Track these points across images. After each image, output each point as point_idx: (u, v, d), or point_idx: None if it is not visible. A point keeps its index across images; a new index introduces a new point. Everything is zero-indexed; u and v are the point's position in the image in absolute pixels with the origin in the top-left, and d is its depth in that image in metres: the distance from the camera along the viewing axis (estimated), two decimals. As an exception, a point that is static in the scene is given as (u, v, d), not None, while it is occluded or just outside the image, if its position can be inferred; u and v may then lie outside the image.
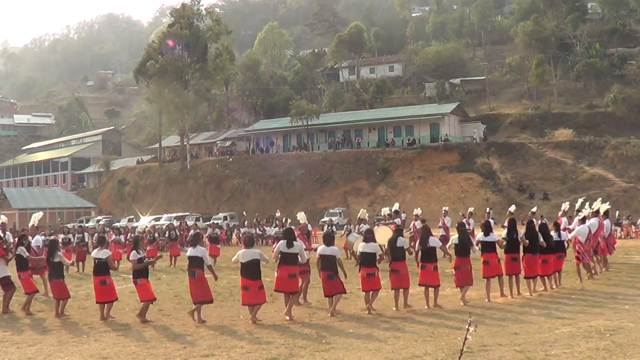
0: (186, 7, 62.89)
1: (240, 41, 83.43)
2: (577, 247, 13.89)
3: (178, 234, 24.52)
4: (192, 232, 19.27)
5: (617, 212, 31.14)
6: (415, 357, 7.28)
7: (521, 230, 12.40)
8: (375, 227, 17.20)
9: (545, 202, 44.01)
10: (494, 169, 50.13)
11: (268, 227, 30.99)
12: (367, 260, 10.63)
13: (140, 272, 10.54)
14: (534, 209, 23.09)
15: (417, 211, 21.74)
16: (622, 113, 55.49)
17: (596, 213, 15.25)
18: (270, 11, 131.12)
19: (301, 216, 14.07)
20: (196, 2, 62.38)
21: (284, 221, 22.30)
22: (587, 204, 18.34)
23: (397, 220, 19.71)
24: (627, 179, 46.10)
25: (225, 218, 44.95)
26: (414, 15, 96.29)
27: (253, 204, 54.63)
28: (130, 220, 48.02)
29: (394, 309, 10.67)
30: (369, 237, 10.90)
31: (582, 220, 14.59)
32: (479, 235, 11.84)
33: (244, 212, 42.31)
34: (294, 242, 10.24)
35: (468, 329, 4.92)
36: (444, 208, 23.63)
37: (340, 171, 53.92)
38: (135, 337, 9.06)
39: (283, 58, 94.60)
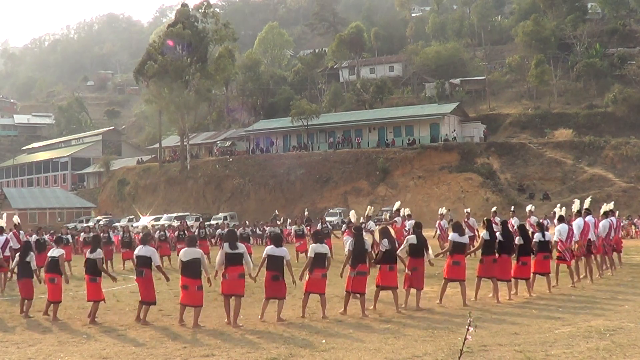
0: (191, 8, 62.89)
1: (240, 41, 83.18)
2: (558, 247, 13.28)
3: (205, 232, 24.12)
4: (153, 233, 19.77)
5: (617, 212, 31.05)
6: (415, 357, 7.28)
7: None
8: (377, 227, 17.08)
9: (545, 202, 44.00)
10: (494, 169, 50.14)
11: (268, 227, 31.03)
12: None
13: (96, 271, 10.61)
14: (530, 207, 23.03)
15: (406, 211, 21.21)
16: (622, 113, 55.48)
17: (579, 213, 14.49)
18: (270, 11, 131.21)
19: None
20: (203, 4, 62.27)
21: (282, 221, 22.36)
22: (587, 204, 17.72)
23: (398, 219, 19.62)
24: (627, 179, 46.10)
25: (225, 218, 44.97)
26: (414, 15, 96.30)
27: (253, 204, 54.66)
28: (130, 220, 48.05)
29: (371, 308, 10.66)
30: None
31: (561, 220, 13.96)
32: (452, 235, 11.39)
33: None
34: (238, 243, 10.13)
35: (468, 329, 4.93)
36: (440, 210, 22.92)
37: (340, 171, 53.92)
38: (135, 337, 9.06)
39: (283, 58, 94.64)
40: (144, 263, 10.33)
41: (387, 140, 57.16)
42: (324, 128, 60.60)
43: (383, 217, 23.83)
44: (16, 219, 18.24)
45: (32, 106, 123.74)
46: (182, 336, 9.02)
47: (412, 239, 11.09)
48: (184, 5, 64.40)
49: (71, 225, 49.35)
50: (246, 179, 57.19)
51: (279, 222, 33.19)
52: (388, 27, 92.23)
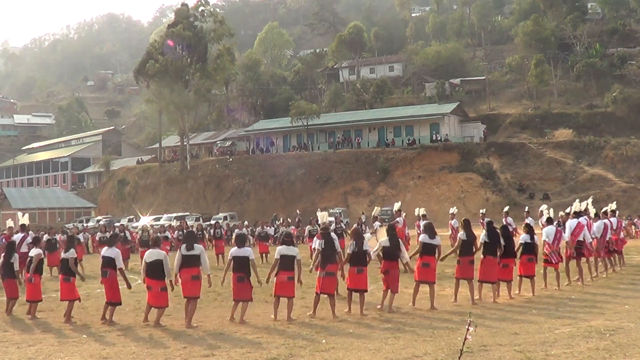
0: (189, 8, 62.89)
1: (240, 41, 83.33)
2: (544, 249, 12.92)
3: (221, 232, 24.12)
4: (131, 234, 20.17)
5: (617, 212, 31.02)
6: (415, 357, 7.28)
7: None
8: (379, 227, 16.99)
9: (545, 202, 43.97)
10: (494, 169, 50.14)
11: (268, 227, 31.00)
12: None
13: (69, 271, 10.78)
14: (527, 208, 23.02)
15: (421, 211, 20.87)
16: (622, 113, 55.47)
17: (575, 214, 14.17)
18: (270, 11, 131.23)
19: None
20: (202, 3, 62.32)
21: (282, 221, 22.39)
22: (588, 203, 17.43)
23: (400, 220, 19.54)
24: (627, 179, 46.09)
25: (225, 218, 44.95)
26: (414, 15, 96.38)
27: (253, 204, 54.66)
28: (130, 220, 48.04)
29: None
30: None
31: (548, 222, 13.66)
32: (422, 237, 11.19)
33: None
34: (195, 245, 10.11)
35: (468, 329, 4.93)
36: (451, 210, 22.29)
37: (340, 171, 53.91)
38: (135, 337, 9.06)
39: (283, 58, 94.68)
40: (108, 264, 10.45)
41: (387, 140, 57.16)
42: (324, 128, 60.60)
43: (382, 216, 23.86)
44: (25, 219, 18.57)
45: (32, 106, 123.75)
46: (182, 336, 9.02)
47: (384, 241, 10.79)
48: (183, 5, 64.41)
49: (71, 225, 49.35)
50: (246, 179, 57.19)
51: (277, 222, 33.20)
52: (388, 27, 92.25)
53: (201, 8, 62.46)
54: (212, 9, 64.72)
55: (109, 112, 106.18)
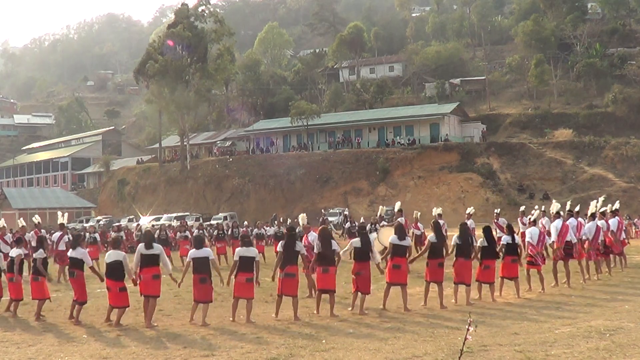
0: (189, 8, 62.87)
1: (241, 41, 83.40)
2: (528, 250, 12.58)
3: (223, 233, 23.99)
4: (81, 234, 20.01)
5: (618, 212, 30.97)
6: (415, 357, 7.29)
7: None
8: (380, 227, 16.94)
9: (545, 202, 43.96)
10: (494, 169, 50.15)
11: (268, 227, 30.98)
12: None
13: (38, 270, 11.02)
14: (522, 208, 22.95)
15: (438, 210, 20.39)
16: (622, 113, 55.46)
17: (557, 215, 13.85)
18: (270, 11, 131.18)
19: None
20: (202, 3, 62.28)
21: (281, 221, 22.41)
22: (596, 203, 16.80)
23: (400, 220, 19.51)
24: (627, 179, 46.10)
25: (225, 218, 44.94)
26: (414, 15, 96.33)
27: (253, 204, 54.66)
28: (130, 220, 48.02)
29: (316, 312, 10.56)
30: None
31: (533, 223, 13.34)
32: (391, 238, 10.90)
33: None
34: (154, 244, 10.16)
35: (468, 329, 4.93)
36: (468, 210, 21.29)
37: (340, 171, 53.91)
38: (135, 337, 9.06)
39: (283, 58, 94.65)
40: (75, 265, 10.63)
41: (387, 140, 57.15)
42: (324, 128, 60.60)
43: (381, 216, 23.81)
44: (37, 218, 19.56)
45: (32, 106, 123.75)
46: (182, 336, 9.03)
47: (356, 242, 10.64)
48: (183, 5, 64.38)
49: (71, 225, 49.33)
50: (246, 179, 57.18)
51: (277, 222, 33.17)
52: (388, 27, 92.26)
53: (201, 8, 62.42)
54: (212, 9, 64.71)
55: (109, 112, 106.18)
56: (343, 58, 79.26)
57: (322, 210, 28.28)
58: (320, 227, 11.15)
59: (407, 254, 11.09)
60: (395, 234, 10.98)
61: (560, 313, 9.97)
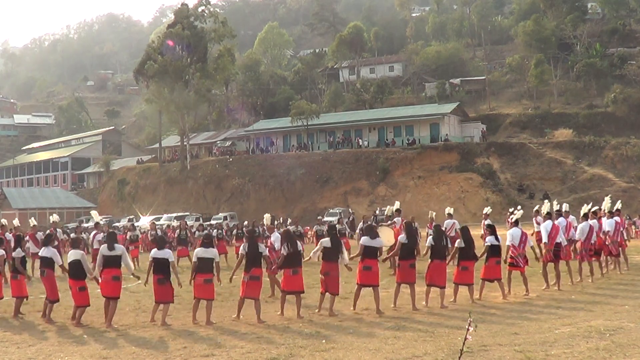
0: (189, 8, 62.87)
1: (241, 41, 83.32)
2: (510, 252, 12.11)
3: (223, 233, 23.95)
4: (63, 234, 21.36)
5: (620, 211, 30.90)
6: (415, 357, 7.29)
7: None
8: (380, 227, 16.90)
9: (545, 202, 43.97)
10: (494, 169, 50.16)
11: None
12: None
13: (16, 269, 11.30)
14: (536, 208, 22.83)
15: (449, 210, 20.38)
16: (622, 113, 55.48)
17: (548, 215, 13.59)
18: (270, 11, 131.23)
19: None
20: (202, 3, 62.26)
21: (281, 221, 22.41)
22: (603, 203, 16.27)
23: (397, 220, 19.49)
24: (627, 179, 46.11)
25: (225, 218, 44.94)
26: (414, 15, 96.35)
27: (253, 204, 54.64)
28: (130, 220, 47.99)
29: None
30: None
31: (515, 223, 12.86)
32: (363, 239, 10.66)
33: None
34: (116, 245, 10.16)
35: (468, 329, 4.93)
36: (485, 210, 20.92)
37: (340, 171, 53.92)
38: (135, 337, 9.07)
39: (283, 58, 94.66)
40: (46, 264, 10.74)
41: (387, 140, 57.15)
42: (324, 128, 60.60)
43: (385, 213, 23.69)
44: (32, 221, 19.75)
45: (32, 106, 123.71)
46: (182, 336, 9.03)
47: (326, 242, 10.42)
48: (183, 5, 64.39)
49: (71, 225, 49.32)
50: (246, 179, 57.19)
51: (276, 223, 33.11)
52: (388, 27, 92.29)
53: (201, 8, 62.42)
54: (212, 9, 64.72)
55: (109, 112, 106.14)
56: (343, 58, 79.28)
57: (318, 217, 28.30)
58: (284, 230, 11.08)
59: (379, 255, 10.98)
60: (366, 234, 10.80)
61: (561, 313, 9.96)
